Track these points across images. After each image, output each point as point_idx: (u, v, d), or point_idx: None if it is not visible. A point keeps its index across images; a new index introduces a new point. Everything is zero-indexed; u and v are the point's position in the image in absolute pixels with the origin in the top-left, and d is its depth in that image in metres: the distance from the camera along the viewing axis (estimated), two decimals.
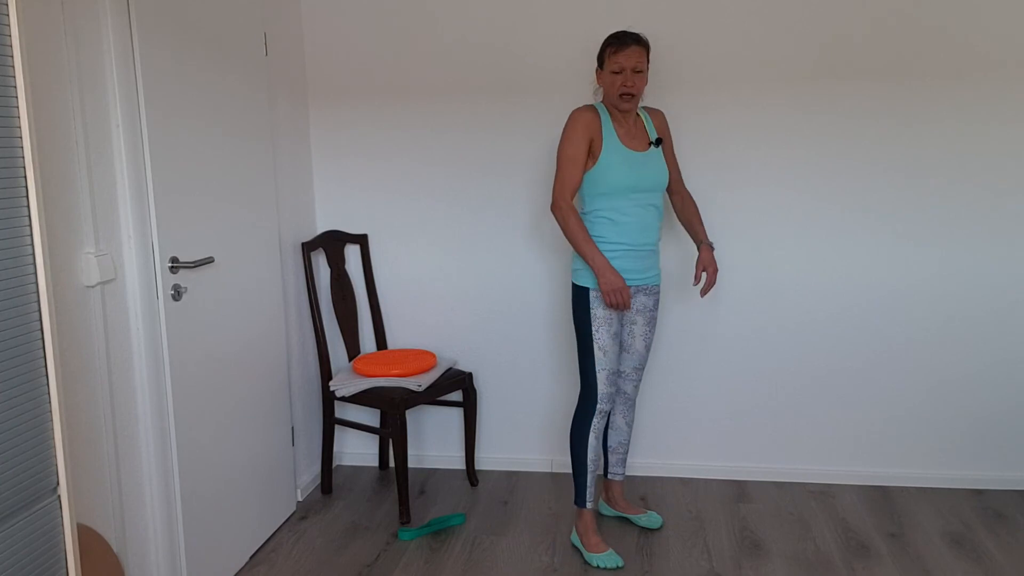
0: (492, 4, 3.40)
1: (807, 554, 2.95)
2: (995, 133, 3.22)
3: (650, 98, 3.36)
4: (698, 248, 2.95)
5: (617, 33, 2.78)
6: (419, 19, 3.45)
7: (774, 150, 3.34)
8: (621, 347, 2.98)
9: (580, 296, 2.85)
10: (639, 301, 2.93)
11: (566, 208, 2.77)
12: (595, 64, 3.08)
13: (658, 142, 2.86)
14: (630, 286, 2.87)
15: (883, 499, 3.36)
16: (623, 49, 2.72)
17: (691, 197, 3.03)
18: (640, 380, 3.05)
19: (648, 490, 3.48)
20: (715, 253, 3.42)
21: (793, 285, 3.42)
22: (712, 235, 3.41)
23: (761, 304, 3.45)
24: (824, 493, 3.42)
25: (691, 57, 3.32)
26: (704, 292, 2.93)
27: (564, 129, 2.80)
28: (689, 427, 3.58)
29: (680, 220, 3.04)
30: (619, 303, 2.76)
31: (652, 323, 2.98)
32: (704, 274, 2.95)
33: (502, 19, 3.40)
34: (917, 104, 3.24)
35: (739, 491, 3.46)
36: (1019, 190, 3.25)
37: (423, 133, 3.54)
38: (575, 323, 2.89)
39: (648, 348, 3.01)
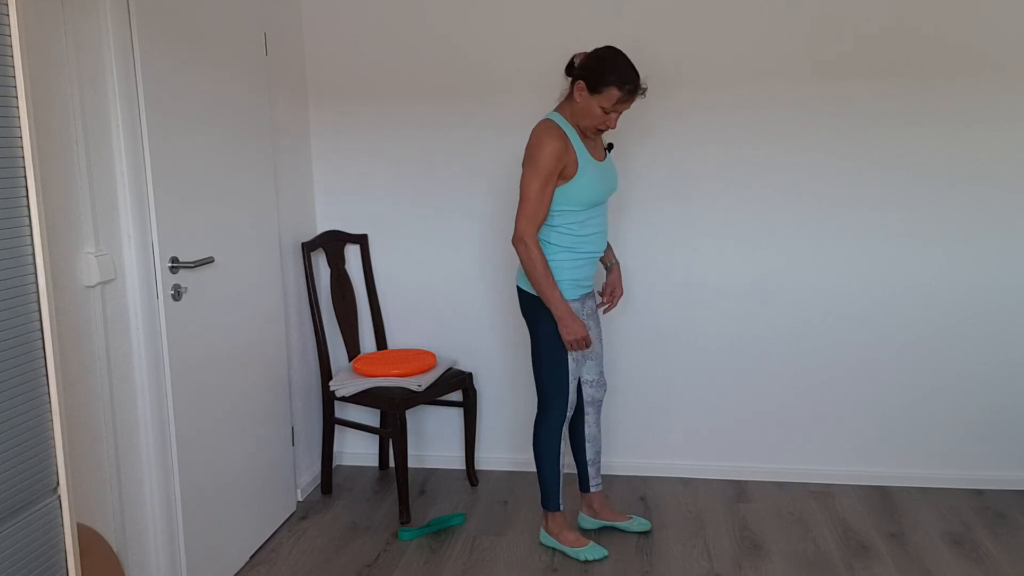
0: (493, 5, 3.40)
1: (807, 554, 2.95)
2: (995, 133, 3.22)
3: (650, 97, 3.36)
4: (608, 269, 3.00)
5: (633, 77, 2.60)
6: (420, 19, 3.45)
7: (774, 150, 3.34)
8: (584, 355, 2.90)
9: (541, 305, 2.74)
10: (588, 306, 2.90)
11: (532, 246, 2.63)
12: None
13: (609, 147, 2.88)
14: (585, 292, 2.87)
15: (883, 499, 3.36)
16: (630, 100, 2.64)
17: None
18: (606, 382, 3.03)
19: (648, 490, 3.48)
20: (712, 254, 3.43)
21: (793, 285, 3.42)
22: (712, 235, 3.42)
23: (761, 304, 3.45)
24: (824, 493, 3.42)
25: (692, 57, 3.32)
26: (608, 310, 2.99)
27: (533, 155, 2.60)
28: (689, 427, 3.58)
29: None
30: (581, 349, 2.73)
31: (599, 322, 2.98)
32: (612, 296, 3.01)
33: (503, 20, 3.40)
34: (918, 104, 3.24)
35: (739, 491, 3.46)
36: (1019, 190, 3.25)
37: (423, 133, 3.54)
38: (540, 334, 2.76)
39: (602, 346, 3.01)
